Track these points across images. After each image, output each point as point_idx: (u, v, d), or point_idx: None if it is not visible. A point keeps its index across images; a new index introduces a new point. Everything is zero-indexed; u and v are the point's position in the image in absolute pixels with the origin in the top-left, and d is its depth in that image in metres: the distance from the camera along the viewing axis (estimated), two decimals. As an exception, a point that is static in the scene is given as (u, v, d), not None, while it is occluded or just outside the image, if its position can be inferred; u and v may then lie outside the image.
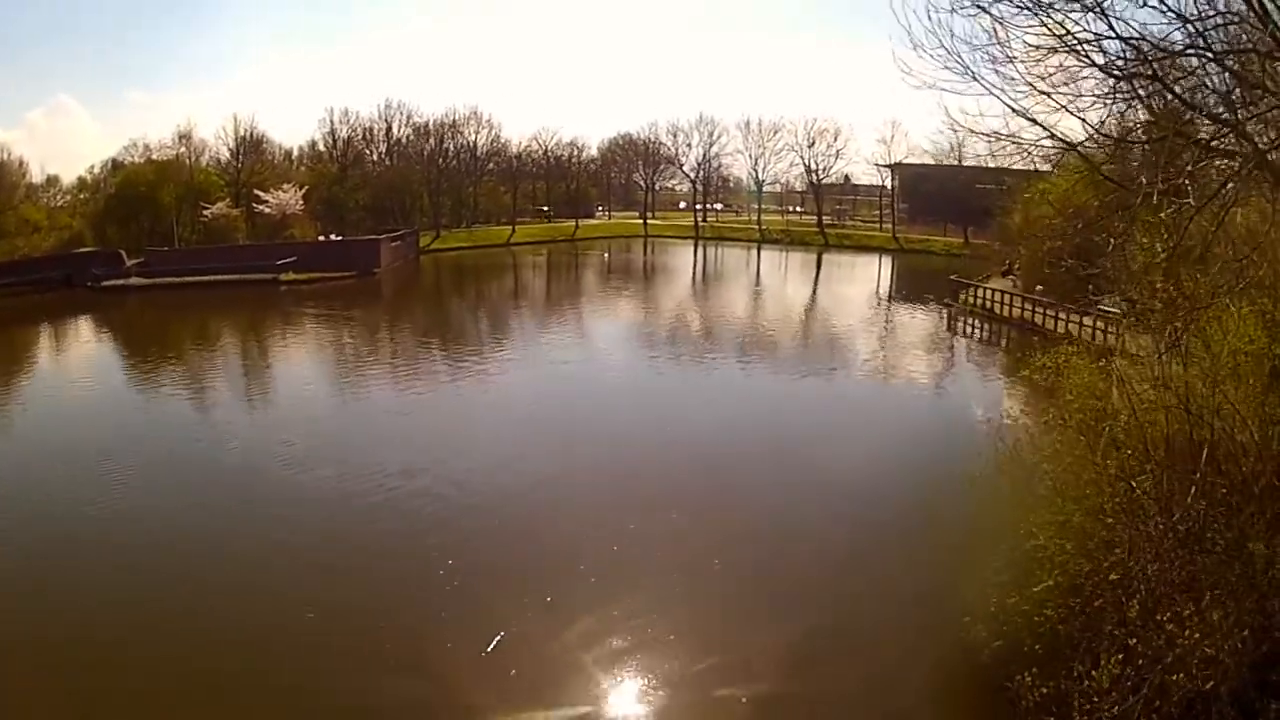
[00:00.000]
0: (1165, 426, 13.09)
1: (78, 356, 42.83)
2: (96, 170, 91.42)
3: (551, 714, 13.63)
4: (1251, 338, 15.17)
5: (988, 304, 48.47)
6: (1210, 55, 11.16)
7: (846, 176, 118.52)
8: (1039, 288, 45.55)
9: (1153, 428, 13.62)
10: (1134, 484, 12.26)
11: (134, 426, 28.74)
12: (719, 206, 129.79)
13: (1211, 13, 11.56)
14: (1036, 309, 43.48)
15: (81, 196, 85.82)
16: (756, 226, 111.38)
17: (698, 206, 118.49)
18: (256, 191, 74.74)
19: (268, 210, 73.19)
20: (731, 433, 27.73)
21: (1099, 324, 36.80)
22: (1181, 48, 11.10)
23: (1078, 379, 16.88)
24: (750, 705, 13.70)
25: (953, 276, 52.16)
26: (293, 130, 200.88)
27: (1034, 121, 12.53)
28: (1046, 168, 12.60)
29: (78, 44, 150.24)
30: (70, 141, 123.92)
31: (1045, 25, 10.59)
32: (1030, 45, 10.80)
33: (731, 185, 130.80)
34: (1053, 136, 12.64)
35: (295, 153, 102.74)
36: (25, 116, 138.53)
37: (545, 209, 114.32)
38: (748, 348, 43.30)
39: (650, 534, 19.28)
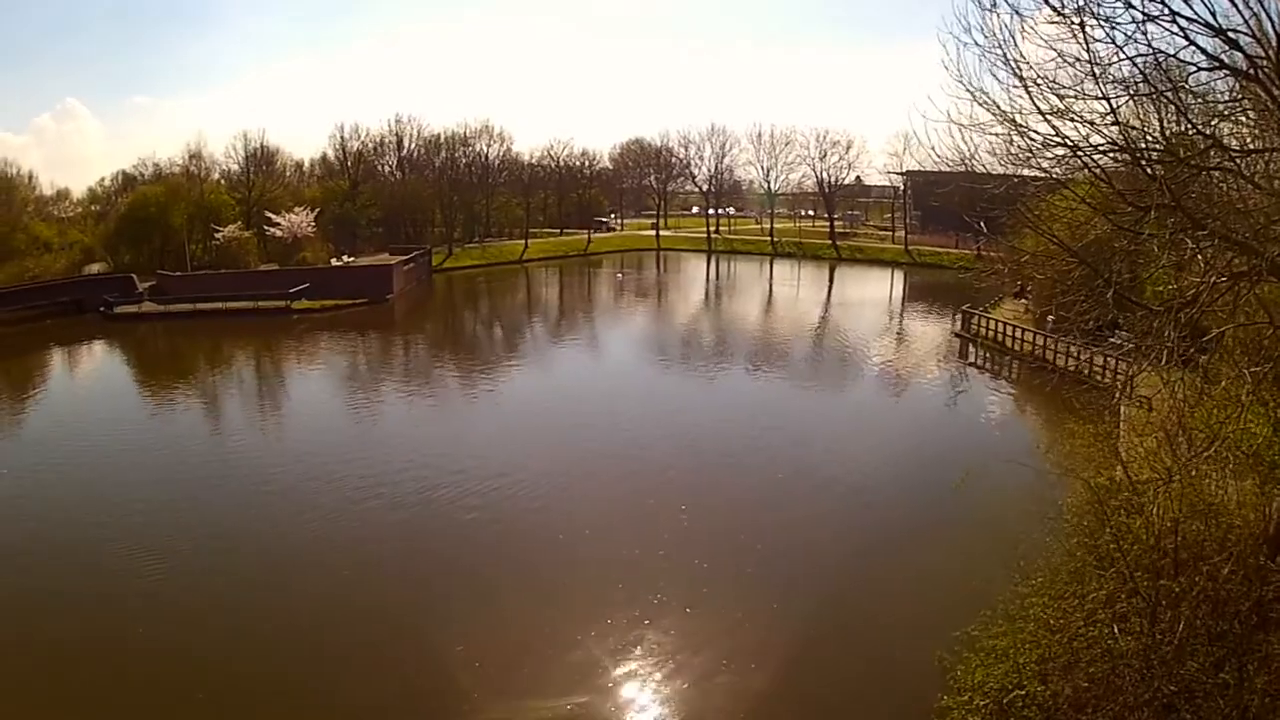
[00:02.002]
0: (1157, 529, 13.32)
1: (90, 393, 43.28)
2: (107, 182, 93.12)
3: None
4: (1254, 440, 15.11)
5: (999, 336, 47.80)
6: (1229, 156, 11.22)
7: (858, 177, 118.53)
8: (1050, 318, 44.88)
9: (1148, 531, 13.76)
10: (1115, 634, 12.47)
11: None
12: (731, 211, 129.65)
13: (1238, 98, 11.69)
14: (1047, 344, 42.89)
15: (93, 209, 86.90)
16: (769, 239, 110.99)
17: (710, 211, 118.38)
18: (268, 214, 75.12)
19: (279, 233, 73.52)
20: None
21: (1108, 363, 36.53)
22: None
23: (1082, 476, 16.95)
24: None
25: (965, 307, 51.50)
26: (302, 137, 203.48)
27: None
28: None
29: (85, 47, 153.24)
30: (78, 146, 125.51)
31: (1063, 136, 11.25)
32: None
33: (744, 189, 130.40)
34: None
35: (306, 165, 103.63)
36: (33, 121, 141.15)
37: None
38: (756, 362, 48.34)
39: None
